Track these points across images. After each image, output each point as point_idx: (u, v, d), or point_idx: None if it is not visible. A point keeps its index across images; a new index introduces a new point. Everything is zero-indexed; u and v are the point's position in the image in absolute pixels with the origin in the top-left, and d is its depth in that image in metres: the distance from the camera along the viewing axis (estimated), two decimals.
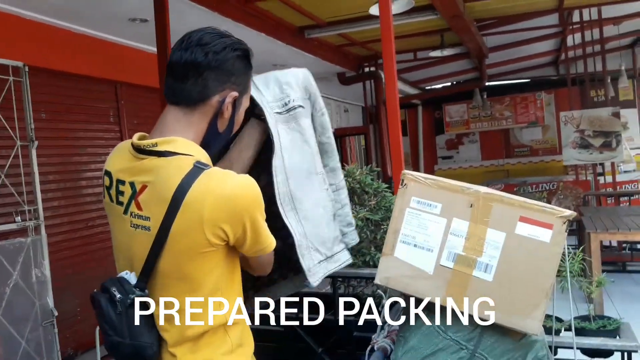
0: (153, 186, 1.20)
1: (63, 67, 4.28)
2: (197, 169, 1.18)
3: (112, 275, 1.26)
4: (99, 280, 1.30)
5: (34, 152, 3.47)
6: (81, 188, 4.47)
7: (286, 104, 1.60)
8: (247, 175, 1.25)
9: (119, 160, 1.29)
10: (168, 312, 1.24)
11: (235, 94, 1.29)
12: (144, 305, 1.21)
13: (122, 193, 1.25)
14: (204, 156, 1.25)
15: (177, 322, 1.24)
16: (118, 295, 1.18)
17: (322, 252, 1.62)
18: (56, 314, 3.58)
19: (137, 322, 1.19)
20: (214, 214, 1.17)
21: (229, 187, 1.18)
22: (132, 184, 1.23)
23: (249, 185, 1.22)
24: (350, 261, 1.79)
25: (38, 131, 3.61)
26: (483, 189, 1.51)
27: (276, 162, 1.52)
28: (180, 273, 1.22)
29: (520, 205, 1.46)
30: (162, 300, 1.24)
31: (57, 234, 4.19)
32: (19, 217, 3.45)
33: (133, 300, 1.18)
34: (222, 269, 1.26)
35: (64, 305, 4.05)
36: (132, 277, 1.22)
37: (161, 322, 1.25)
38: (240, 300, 1.33)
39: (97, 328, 3.53)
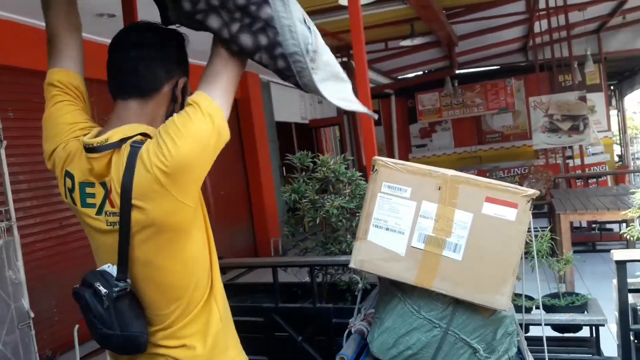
0: (113, 180, 1.21)
1: (29, 65, 4.20)
2: (134, 149, 1.19)
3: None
4: (75, 279, 1.29)
5: (2, 152, 3.40)
6: (53, 187, 4.41)
7: None
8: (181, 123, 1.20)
9: (78, 162, 1.27)
10: (155, 295, 1.27)
11: (184, 79, 1.35)
12: (130, 296, 1.23)
13: (91, 195, 1.25)
14: (151, 131, 1.24)
15: (166, 302, 1.27)
16: (103, 290, 1.19)
17: None
18: (32, 315, 3.53)
19: (125, 313, 1.21)
20: (179, 182, 1.18)
21: (174, 155, 1.16)
22: (103, 184, 1.23)
23: (191, 143, 1.18)
24: None
25: (6, 131, 3.54)
26: (450, 172, 1.56)
27: None
28: (162, 253, 1.24)
29: (485, 186, 1.51)
30: (146, 285, 1.26)
31: (30, 235, 4.13)
32: None
33: (118, 293, 1.19)
34: (199, 235, 1.30)
35: (40, 306, 4.00)
36: (114, 270, 1.23)
37: (151, 305, 1.28)
38: (217, 270, 1.37)
39: (76, 327, 3.51)
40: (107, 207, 1.23)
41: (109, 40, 1.35)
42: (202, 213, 1.32)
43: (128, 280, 1.22)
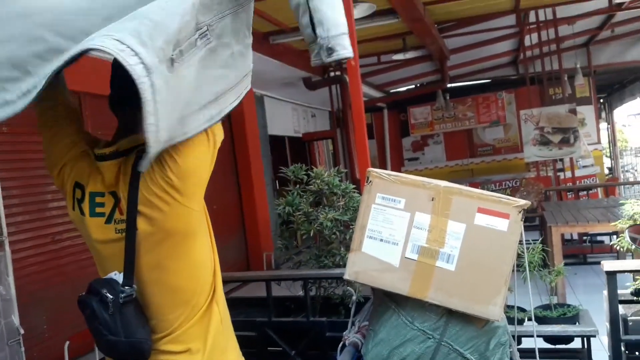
0: (122, 188, 1.26)
1: None
2: (140, 157, 1.20)
3: (84, 288, 1.28)
4: (67, 294, 1.30)
5: None
6: (46, 202, 4.39)
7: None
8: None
9: (89, 173, 1.32)
10: (163, 299, 1.30)
11: None
12: (135, 303, 1.25)
13: (101, 205, 1.29)
14: None
15: (173, 306, 1.30)
16: (110, 296, 1.21)
17: None
18: (22, 332, 3.49)
19: (130, 320, 1.22)
20: (184, 190, 1.22)
21: (173, 169, 1.20)
22: (113, 194, 1.28)
23: (188, 154, 1.22)
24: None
25: None
26: (443, 183, 1.58)
27: None
28: (171, 256, 1.28)
29: (478, 197, 1.53)
30: (155, 289, 1.29)
31: (22, 250, 4.09)
32: None
33: (125, 299, 1.22)
34: (205, 239, 1.35)
35: (31, 323, 3.95)
36: (120, 277, 1.25)
37: (158, 310, 1.30)
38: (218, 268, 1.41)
39: (67, 344, 3.48)
40: (117, 215, 1.27)
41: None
42: (206, 217, 1.37)
43: (134, 286, 1.25)
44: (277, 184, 8.42)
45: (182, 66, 1.07)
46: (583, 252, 6.51)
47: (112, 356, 1.29)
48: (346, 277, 1.63)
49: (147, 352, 1.26)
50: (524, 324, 2.61)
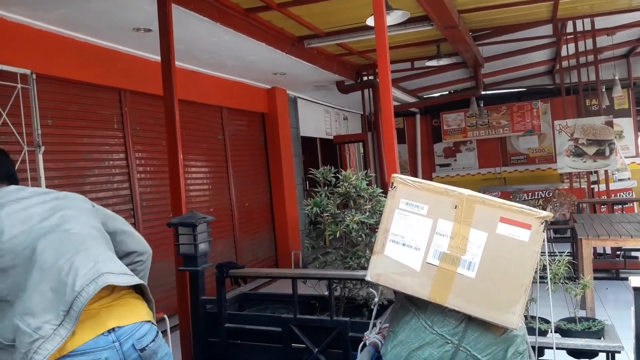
0: None
1: (69, 75, 4.40)
2: None
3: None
4: None
5: (40, 157, 3.57)
6: (85, 193, 4.55)
7: None
8: None
9: None
10: None
11: None
12: None
13: None
14: None
15: None
16: None
17: None
18: None
19: None
20: None
21: None
22: None
23: None
24: None
25: (44, 137, 3.72)
26: (466, 192, 1.62)
27: None
28: None
29: (500, 207, 1.56)
30: None
31: None
32: None
33: None
34: None
35: None
36: None
37: None
38: None
39: None
40: None
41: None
42: None
43: None
44: (307, 185, 8.51)
45: None
46: (616, 267, 6.37)
47: None
48: (368, 278, 1.69)
49: None
50: (547, 335, 2.61)
